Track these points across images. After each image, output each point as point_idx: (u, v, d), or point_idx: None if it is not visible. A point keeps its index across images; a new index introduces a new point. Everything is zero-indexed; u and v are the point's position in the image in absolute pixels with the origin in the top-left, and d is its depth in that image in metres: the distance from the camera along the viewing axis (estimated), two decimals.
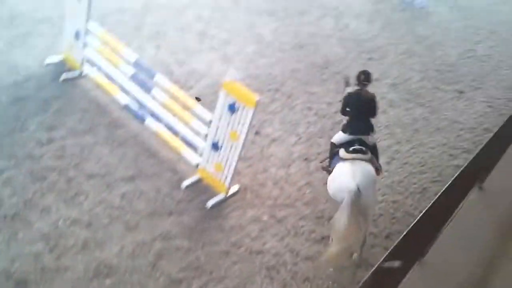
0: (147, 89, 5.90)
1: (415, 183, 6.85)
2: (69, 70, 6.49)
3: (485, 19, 16.39)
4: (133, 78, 6.02)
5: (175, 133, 5.77)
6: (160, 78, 5.84)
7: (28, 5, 7.55)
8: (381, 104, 8.44)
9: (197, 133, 5.68)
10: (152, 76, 5.87)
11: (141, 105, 5.98)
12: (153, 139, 5.98)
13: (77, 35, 6.26)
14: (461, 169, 5.81)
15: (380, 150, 6.91)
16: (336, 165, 5.12)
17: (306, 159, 6.55)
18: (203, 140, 5.57)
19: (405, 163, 7.19)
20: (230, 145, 5.26)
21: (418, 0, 14.74)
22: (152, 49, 7.72)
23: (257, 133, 6.72)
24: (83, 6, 5.98)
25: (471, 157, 6.55)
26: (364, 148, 5.17)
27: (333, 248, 4.74)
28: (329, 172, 5.27)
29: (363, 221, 4.80)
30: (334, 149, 5.45)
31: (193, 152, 5.74)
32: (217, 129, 5.32)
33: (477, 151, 6.46)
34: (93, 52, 6.40)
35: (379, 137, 7.55)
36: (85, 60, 6.44)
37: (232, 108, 5.08)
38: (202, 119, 5.62)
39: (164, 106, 5.88)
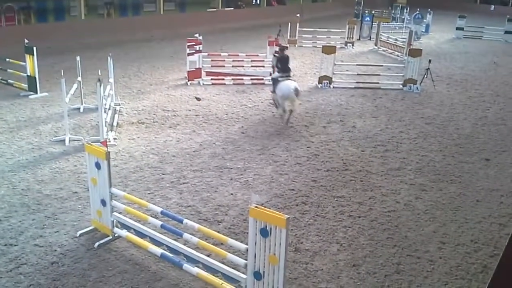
0: (179, 235, 5.91)
1: (473, 263, 6.41)
2: (101, 236, 6.59)
3: (485, 85, 16.78)
4: (163, 228, 6.08)
5: (214, 272, 5.63)
6: (188, 222, 5.87)
7: (51, 187, 7.96)
8: (412, 191, 8.34)
9: (236, 266, 5.53)
10: (180, 221, 5.92)
11: (176, 252, 5.94)
12: (195, 281, 5.82)
13: (103, 202, 6.49)
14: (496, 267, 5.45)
15: (426, 236, 6.84)
16: (278, 85, 11.28)
17: (354, 265, 6.24)
18: (244, 271, 5.40)
19: (457, 245, 6.80)
20: (272, 269, 5.07)
21: (415, 86, 15.30)
22: (176, 194, 7.89)
23: (296, 250, 6.51)
24: (105, 175, 6.28)
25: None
26: (289, 74, 11.58)
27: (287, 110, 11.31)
28: (274, 92, 11.58)
29: (296, 100, 11.27)
30: (276, 81, 11.56)
31: (237, 287, 5.53)
32: (254, 257, 5.19)
33: None
34: (120, 214, 6.57)
35: (421, 225, 7.28)
36: (115, 224, 6.57)
37: (264, 233, 5.00)
38: (237, 250, 5.51)
39: (198, 247, 5.84)
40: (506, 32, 27.97)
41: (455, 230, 7.17)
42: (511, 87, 16.60)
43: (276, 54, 12.26)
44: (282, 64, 11.54)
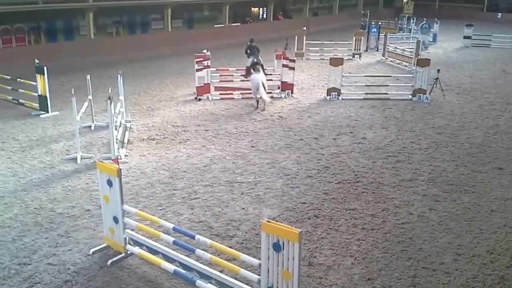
0: (191, 251, 5.89)
1: (490, 274, 6.30)
2: (114, 254, 6.59)
3: (494, 93, 16.67)
4: (175, 244, 6.06)
5: (228, 287, 5.59)
6: (200, 237, 5.86)
7: (64, 206, 8.00)
8: (425, 202, 8.26)
9: (249, 282, 5.49)
10: (192, 237, 5.91)
11: (189, 268, 5.91)
12: None
13: (115, 219, 6.50)
14: None
15: (441, 248, 6.74)
16: (250, 76, 14.14)
17: (369, 279, 6.17)
18: (257, 287, 5.35)
19: (473, 256, 6.70)
20: (286, 285, 5.03)
21: (425, 96, 15.24)
22: (188, 210, 7.88)
23: (309, 264, 6.45)
24: (116, 192, 6.30)
25: None
26: (259, 66, 14.29)
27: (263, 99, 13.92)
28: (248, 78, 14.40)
29: (265, 90, 13.92)
30: (250, 68, 14.48)
31: None
32: (268, 272, 5.15)
33: None
34: (133, 231, 6.58)
35: (435, 237, 7.19)
36: (128, 241, 6.57)
37: (277, 247, 4.97)
38: (250, 266, 5.47)
39: (211, 263, 5.82)
40: None
41: (470, 241, 7.07)
42: None
43: (248, 43, 16.48)
44: (251, 51, 15.80)
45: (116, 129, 9.92)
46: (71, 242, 6.89)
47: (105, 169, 6.36)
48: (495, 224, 7.57)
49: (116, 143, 9.68)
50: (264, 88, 13.94)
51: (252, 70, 14.35)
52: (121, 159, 9.73)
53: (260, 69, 14.38)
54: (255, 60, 15.01)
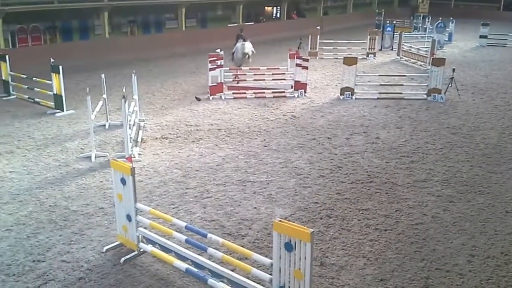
0: (203, 250, 5.91)
1: (504, 276, 6.22)
2: (127, 252, 6.64)
3: (510, 93, 16.42)
4: (187, 243, 6.09)
5: (239, 287, 5.60)
6: (212, 236, 5.88)
7: (78, 203, 8.09)
8: (439, 203, 8.18)
9: (261, 281, 5.49)
10: (205, 236, 5.93)
11: (201, 267, 5.94)
12: None
13: (128, 218, 6.55)
14: None
15: (454, 249, 6.66)
16: (236, 45, 17.21)
17: (381, 280, 6.13)
18: (269, 286, 5.35)
19: (487, 257, 6.62)
20: (298, 284, 5.02)
21: (440, 96, 15.09)
22: (200, 209, 7.91)
23: (322, 264, 6.44)
24: (130, 190, 6.35)
25: None
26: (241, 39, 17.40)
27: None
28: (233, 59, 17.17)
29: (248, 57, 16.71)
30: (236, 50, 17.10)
31: None
32: (279, 271, 5.14)
33: None
34: (146, 229, 6.62)
35: (449, 238, 7.12)
36: (140, 239, 6.62)
37: (289, 247, 4.96)
38: (262, 265, 5.48)
39: (222, 262, 5.84)
40: None
41: (484, 243, 6.99)
42: None
43: (239, 32, 18.81)
44: (238, 39, 18.02)
45: (130, 128, 9.99)
46: (84, 240, 6.97)
47: (119, 167, 6.41)
48: (510, 226, 7.47)
49: (130, 141, 9.75)
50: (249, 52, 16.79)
51: (237, 42, 17.61)
52: (134, 157, 9.80)
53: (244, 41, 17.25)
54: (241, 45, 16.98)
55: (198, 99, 14.74)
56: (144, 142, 11.04)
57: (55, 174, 9.26)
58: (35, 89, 13.68)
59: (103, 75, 12.16)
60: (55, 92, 13.24)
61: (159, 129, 12.09)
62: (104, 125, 12.14)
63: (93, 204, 8.05)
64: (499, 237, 7.15)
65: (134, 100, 11.81)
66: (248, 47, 16.65)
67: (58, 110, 13.29)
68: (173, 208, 7.95)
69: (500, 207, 8.08)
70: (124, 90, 10.46)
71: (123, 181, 6.38)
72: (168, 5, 26.37)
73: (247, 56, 16.54)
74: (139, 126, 11.90)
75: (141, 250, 6.61)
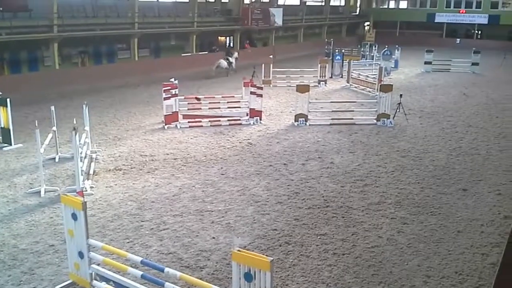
0: (160, 285, 5.73)
1: None
2: None
3: (456, 116, 17.24)
4: (144, 278, 5.90)
5: None
6: (169, 270, 5.73)
7: (27, 241, 7.72)
8: (393, 225, 8.36)
9: None
10: (161, 270, 5.77)
11: None
12: None
13: (80, 254, 6.30)
14: (499, 265, 5.47)
15: (410, 271, 6.79)
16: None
17: None
18: None
19: (442, 277, 6.78)
20: None
21: (388, 120, 15.62)
22: (156, 241, 7.72)
23: None
24: (82, 226, 6.13)
25: (502, 249, 6.24)
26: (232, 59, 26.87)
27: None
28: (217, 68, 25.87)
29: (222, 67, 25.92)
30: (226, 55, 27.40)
31: None
32: None
33: (505, 242, 6.18)
34: (99, 266, 6.38)
35: (404, 259, 7.26)
36: (94, 276, 6.36)
37: (248, 277, 4.90)
38: None
39: None
40: (473, 64, 29.03)
41: (439, 263, 7.16)
42: (482, 117, 17.09)
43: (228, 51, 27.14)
44: (227, 53, 26.76)
45: (81, 160, 9.71)
46: (35, 280, 6.62)
47: (69, 202, 6.18)
48: (462, 245, 7.71)
49: (81, 174, 9.47)
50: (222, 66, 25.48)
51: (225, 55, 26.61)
52: (86, 191, 9.51)
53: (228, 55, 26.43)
54: (227, 58, 26.13)
55: (198, 99, 14.75)
56: (96, 175, 10.74)
57: (2, 211, 8.81)
58: None
59: (52, 107, 11.83)
60: (2, 126, 12.74)
61: (112, 160, 11.82)
62: (54, 158, 11.74)
63: (43, 242, 7.70)
64: (453, 257, 7.36)
65: (86, 131, 11.53)
66: (221, 61, 25.71)
67: (5, 144, 12.76)
68: (128, 242, 7.71)
69: (451, 227, 8.34)
70: (75, 122, 10.21)
71: (74, 217, 6.15)
72: (120, 36, 26.21)
73: (218, 67, 25.47)
74: (91, 158, 11.59)
75: None
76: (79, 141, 9.57)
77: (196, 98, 15.54)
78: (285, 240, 7.83)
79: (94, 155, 11.97)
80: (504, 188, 10.18)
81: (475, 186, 10.34)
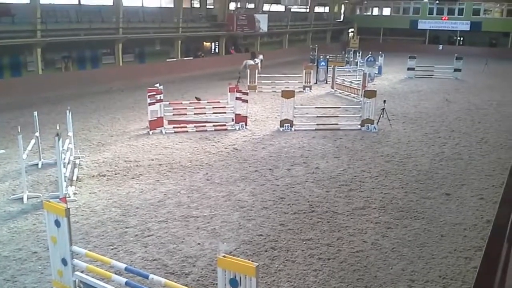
0: None
1: None
2: None
3: (439, 122, 17.45)
4: (128, 285, 5.84)
5: None
6: (154, 277, 5.68)
7: (10, 248, 7.60)
8: (378, 229, 8.42)
9: None
10: (146, 277, 5.72)
11: None
12: None
13: (64, 261, 6.21)
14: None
15: (395, 275, 6.85)
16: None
17: None
18: None
19: (426, 282, 6.84)
20: None
21: (373, 126, 15.76)
22: (141, 248, 7.65)
23: None
24: (65, 232, 6.05)
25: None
26: (258, 60, 26.93)
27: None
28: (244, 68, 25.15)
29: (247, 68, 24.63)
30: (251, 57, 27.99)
31: None
32: None
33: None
34: (82, 273, 6.30)
35: (389, 264, 7.31)
36: (77, 283, 6.27)
37: (234, 283, 4.88)
38: None
39: None
40: (455, 70, 29.46)
41: (423, 267, 7.23)
42: (465, 122, 17.34)
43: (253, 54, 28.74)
44: (252, 56, 27.36)
45: (64, 166, 9.60)
46: (17, 287, 6.51)
47: (52, 209, 6.10)
48: (446, 249, 7.79)
49: (65, 181, 9.36)
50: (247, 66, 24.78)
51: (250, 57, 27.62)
52: (69, 197, 9.39)
53: (254, 58, 26.98)
54: (252, 59, 26.70)
55: (198, 99, 14.71)
56: (80, 181, 10.62)
57: None
58: None
59: (35, 113, 11.68)
60: None
61: (96, 166, 11.70)
62: (37, 164, 11.58)
63: (25, 249, 7.58)
64: (436, 261, 7.43)
65: (69, 137, 11.41)
66: (248, 61, 25.72)
67: None
68: (112, 249, 7.63)
69: (435, 231, 8.43)
70: (58, 127, 10.10)
71: (57, 223, 6.07)
72: (104, 41, 26.05)
73: (244, 67, 25.09)
74: (74, 164, 11.46)
75: None
76: (62, 147, 9.46)
77: (196, 98, 15.53)
78: (271, 245, 7.83)
79: (77, 161, 11.84)
80: (486, 192, 10.32)
81: (458, 190, 10.47)
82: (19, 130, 9.76)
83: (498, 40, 46.94)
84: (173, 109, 15.66)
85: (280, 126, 15.68)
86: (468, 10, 46.25)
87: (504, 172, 11.36)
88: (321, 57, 28.03)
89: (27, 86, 20.90)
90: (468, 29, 46.51)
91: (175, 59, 30.07)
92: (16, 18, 21.97)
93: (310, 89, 23.91)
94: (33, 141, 10.85)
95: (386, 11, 51.57)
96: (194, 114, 15.66)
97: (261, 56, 28.34)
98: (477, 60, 34.67)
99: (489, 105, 20.89)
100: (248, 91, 17.44)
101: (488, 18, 46.06)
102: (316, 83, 25.92)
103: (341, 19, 52.47)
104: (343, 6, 52.22)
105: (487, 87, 26.21)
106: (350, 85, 22.52)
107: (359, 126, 15.88)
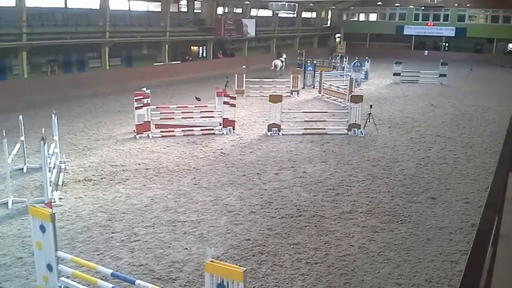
0: None
1: None
2: None
3: (424, 126, 17.62)
4: None
5: None
6: (140, 283, 5.64)
7: None
8: (365, 233, 8.47)
9: None
10: (132, 283, 5.67)
11: None
12: None
13: (49, 267, 6.15)
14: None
15: (382, 279, 6.85)
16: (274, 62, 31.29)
17: None
18: None
19: (413, 285, 6.89)
20: None
21: (359, 130, 15.86)
22: (127, 253, 7.59)
23: None
24: (50, 238, 5.98)
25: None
26: (283, 59, 32.04)
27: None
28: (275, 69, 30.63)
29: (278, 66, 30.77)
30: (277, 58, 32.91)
31: None
32: None
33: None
34: (68, 279, 6.23)
35: (376, 267, 7.35)
36: None
37: None
38: None
39: None
40: (441, 75, 29.81)
41: (409, 271, 7.28)
42: (450, 127, 17.53)
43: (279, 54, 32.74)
44: (278, 56, 31.77)
45: (49, 171, 9.50)
46: None
47: (37, 214, 6.04)
48: (432, 253, 7.85)
49: (50, 185, 9.26)
50: (278, 66, 29.82)
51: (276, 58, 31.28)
52: (55, 202, 9.29)
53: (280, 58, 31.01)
54: (280, 59, 31.01)
55: (198, 99, 14.63)
56: (65, 186, 10.52)
57: None
58: None
59: (20, 117, 11.55)
60: None
61: (82, 171, 11.60)
62: (22, 169, 11.43)
63: (10, 254, 7.47)
64: (423, 264, 7.49)
65: (55, 141, 11.29)
66: (276, 62, 30.34)
67: None
68: (98, 254, 7.56)
69: (421, 235, 8.49)
70: (43, 131, 9.99)
71: (42, 228, 6.01)
72: (90, 44, 25.87)
73: (275, 67, 29.85)
74: (60, 169, 11.34)
75: None
76: (48, 151, 9.36)
77: (196, 98, 15.51)
78: (259, 250, 7.82)
79: (63, 166, 11.72)
80: (472, 196, 10.44)
81: (443, 194, 10.57)
82: (4, 134, 9.64)
83: (483, 46, 47.57)
84: (160, 113, 15.61)
85: (268, 131, 15.71)
86: (453, 16, 46.85)
87: (488, 176, 11.50)
88: (309, 62, 28.18)
89: (12, 89, 20.66)
90: (453, 35, 47.09)
91: (162, 63, 29.98)
92: (2, 21, 21.70)
93: (298, 93, 24.01)
94: (18, 145, 10.72)
95: (373, 17, 51.99)
96: (182, 118, 15.61)
97: (284, 55, 31.61)
98: (462, 66, 35.14)
99: (474, 110, 21.16)
100: (236, 95, 17.44)
101: (473, 24, 46.69)
102: (303, 87, 26.02)
103: (328, 25, 52.76)
104: (330, 12, 52.51)
105: (472, 93, 26.55)
106: (337, 89, 22.66)
107: (346, 131, 15.96)
